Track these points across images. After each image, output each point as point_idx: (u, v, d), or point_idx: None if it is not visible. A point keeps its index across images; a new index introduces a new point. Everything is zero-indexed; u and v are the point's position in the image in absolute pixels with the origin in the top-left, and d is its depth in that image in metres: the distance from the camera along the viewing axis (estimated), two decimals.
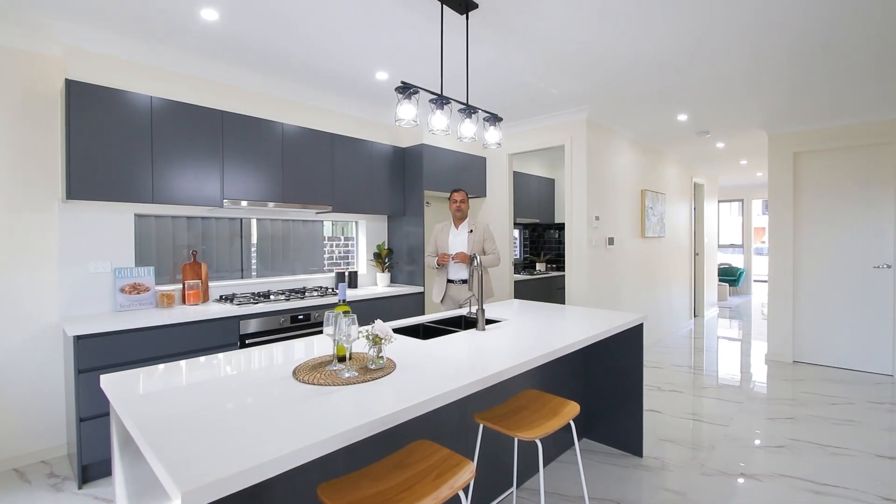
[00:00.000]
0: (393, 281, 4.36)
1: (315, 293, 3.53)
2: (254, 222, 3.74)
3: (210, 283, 3.37)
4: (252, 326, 2.97)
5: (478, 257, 2.22)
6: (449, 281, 3.50)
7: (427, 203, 4.88)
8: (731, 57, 2.89)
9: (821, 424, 3.09)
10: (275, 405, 1.19)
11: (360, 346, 1.79)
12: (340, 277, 3.97)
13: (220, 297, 3.26)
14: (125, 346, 2.45)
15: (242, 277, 3.67)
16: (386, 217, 4.49)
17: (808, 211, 4.62)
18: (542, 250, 6.67)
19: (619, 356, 2.71)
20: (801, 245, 4.66)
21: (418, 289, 4.05)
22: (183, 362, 1.62)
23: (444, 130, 2.07)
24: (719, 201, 10.12)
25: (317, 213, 3.84)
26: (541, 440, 1.93)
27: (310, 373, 1.45)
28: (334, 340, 1.44)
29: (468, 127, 2.20)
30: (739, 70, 3.11)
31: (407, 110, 1.92)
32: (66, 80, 2.47)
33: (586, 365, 2.85)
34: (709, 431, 2.98)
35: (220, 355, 1.73)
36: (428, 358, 1.68)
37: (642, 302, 5.18)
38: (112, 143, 2.62)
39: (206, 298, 3.22)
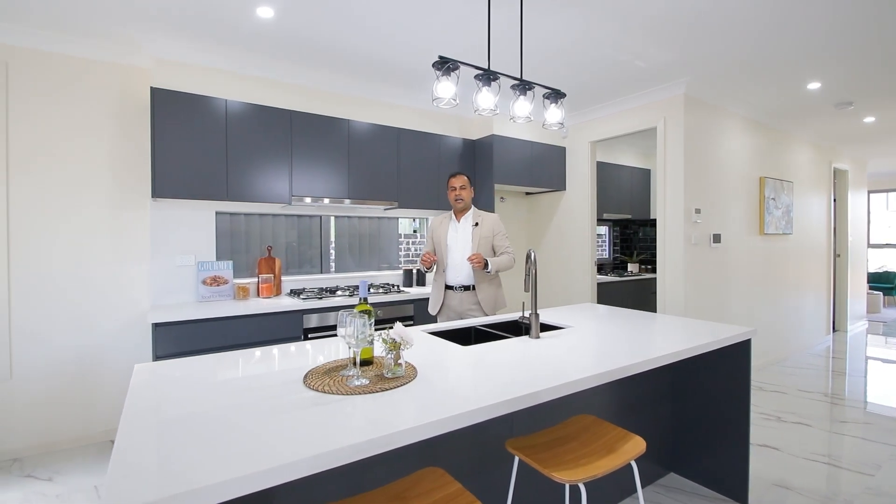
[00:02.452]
0: None
1: (380, 290, 3.48)
2: (332, 219, 3.82)
3: (283, 278, 3.49)
4: (315, 321, 2.99)
5: (532, 254, 1.92)
6: (447, 287, 2.73)
7: (501, 199, 4.62)
8: None
9: None
10: (267, 413, 1.07)
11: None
12: (408, 275, 3.89)
13: (291, 291, 3.36)
14: (198, 334, 2.59)
15: (322, 272, 3.77)
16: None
17: None
18: (636, 249, 6.01)
19: (718, 376, 2.22)
20: None
21: None
22: (215, 356, 1.60)
23: (492, 110, 1.82)
24: (870, 191, 8.32)
25: (385, 209, 3.80)
26: (585, 484, 1.57)
27: (321, 377, 1.31)
28: (347, 343, 1.29)
29: (522, 105, 1.92)
30: None
31: (446, 88, 1.71)
32: (151, 87, 2.68)
33: (675, 384, 2.39)
34: (846, 480, 2.33)
35: (256, 350, 1.69)
36: (459, 367, 1.46)
37: (759, 312, 4.35)
38: (191, 144, 2.79)
39: (278, 292, 3.33)
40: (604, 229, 5.97)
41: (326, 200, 3.27)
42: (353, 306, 3.11)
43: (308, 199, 3.19)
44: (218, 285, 3.14)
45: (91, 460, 2.56)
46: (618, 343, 1.81)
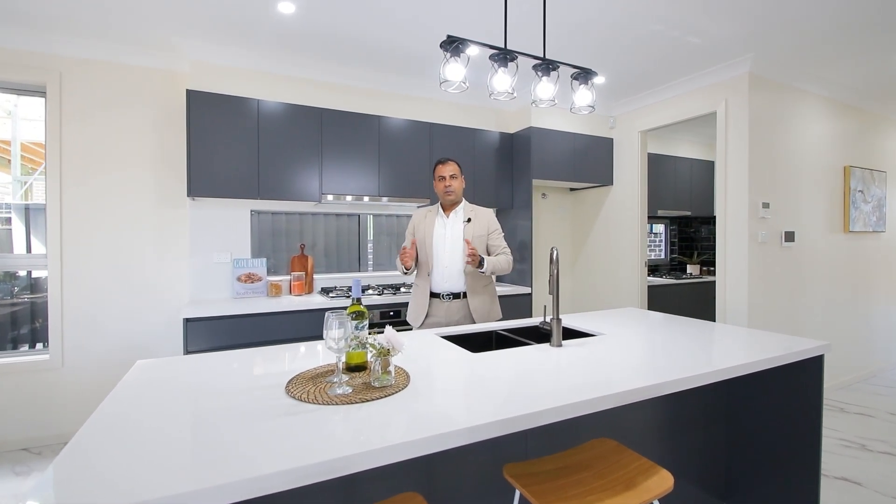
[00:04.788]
0: (499, 280, 4.00)
1: (410, 290, 3.38)
2: (370, 218, 3.80)
3: (317, 276, 3.50)
4: None
5: (555, 253, 1.72)
6: (433, 295, 2.33)
7: (543, 195, 4.39)
8: None
9: None
10: (232, 421, 0.99)
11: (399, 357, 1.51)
12: None
13: (322, 289, 3.35)
14: (227, 330, 2.62)
15: (359, 271, 3.76)
16: (494, 211, 4.13)
17: None
18: (697, 249, 5.50)
19: (783, 396, 1.90)
20: None
21: (525, 289, 3.62)
22: (214, 355, 1.57)
23: (508, 93, 1.65)
24: None
25: (418, 206, 3.70)
26: None
27: (304, 384, 1.22)
28: (328, 347, 1.18)
29: (546, 87, 1.73)
30: None
31: (454, 71, 1.57)
32: (187, 90, 2.75)
33: (730, 403, 2.08)
34: None
35: (258, 350, 1.64)
36: (459, 378, 1.31)
37: (842, 321, 3.79)
38: (224, 144, 2.84)
39: (310, 290, 3.34)
40: (660, 227, 5.53)
41: (353, 198, 3.21)
42: (377, 306, 3.04)
43: (336, 197, 3.16)
44: (252, 282, 3.19)
45: None
46: (653, 355, 1.58)
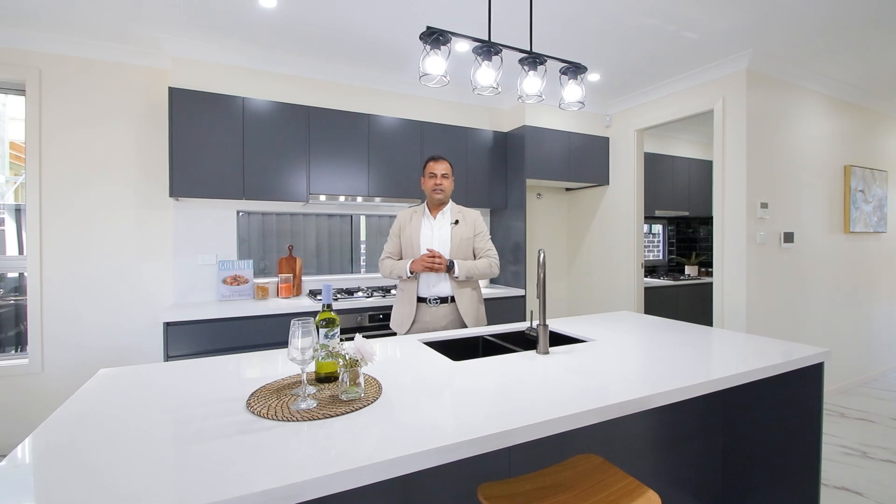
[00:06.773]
0: (493, 282, 3.92)
1: None
2: (362, 219, 3.73)
3: (306, 278, 3.43)
4: None
5: (542, 255, 1.64)
6: (420, 300, 2.23)
7: (538, 195, 4.31)
8: None
9: None
10: (173, 443, 0.91)
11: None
12: None
13: (310, 291, 3.28)
14: (211, 334, 2.55)
15: (351, 273, 3.69)
16: (488, 211, 4.07)
17: None
18: (695, 250, 5.42)
19: (782, 404, 1.82)
20: None
21: (519, 292, 3.54)
22: (183, 363, 1.49)
23: (492, 87, 1.58)
24: None
25: (409, 206, 3.63)
26: None
27: (267, 397, 1.14)
28: (291, 358, 1.11)
29: (532, 82, 1.65)
30: None
31: (435, 64, 1.49)
32: (169, 88, 2.68)
33: (727, 412, 2.01)
34: None
35: (235, 358, 1.57)
36: (435, 390, 1.23)
37: (842, 324, 3.71)
38: (208, 143, 2.77)
39: (298, 292, 3.26)
40: (658, 228, 5.45)
41: (345, 198, 3.16)
42: (365, 309, 2.96)
43: (329, 198, 3.09)
44: (238, 284, 3.12)
45: None
46: (644, 363, 1.50)
